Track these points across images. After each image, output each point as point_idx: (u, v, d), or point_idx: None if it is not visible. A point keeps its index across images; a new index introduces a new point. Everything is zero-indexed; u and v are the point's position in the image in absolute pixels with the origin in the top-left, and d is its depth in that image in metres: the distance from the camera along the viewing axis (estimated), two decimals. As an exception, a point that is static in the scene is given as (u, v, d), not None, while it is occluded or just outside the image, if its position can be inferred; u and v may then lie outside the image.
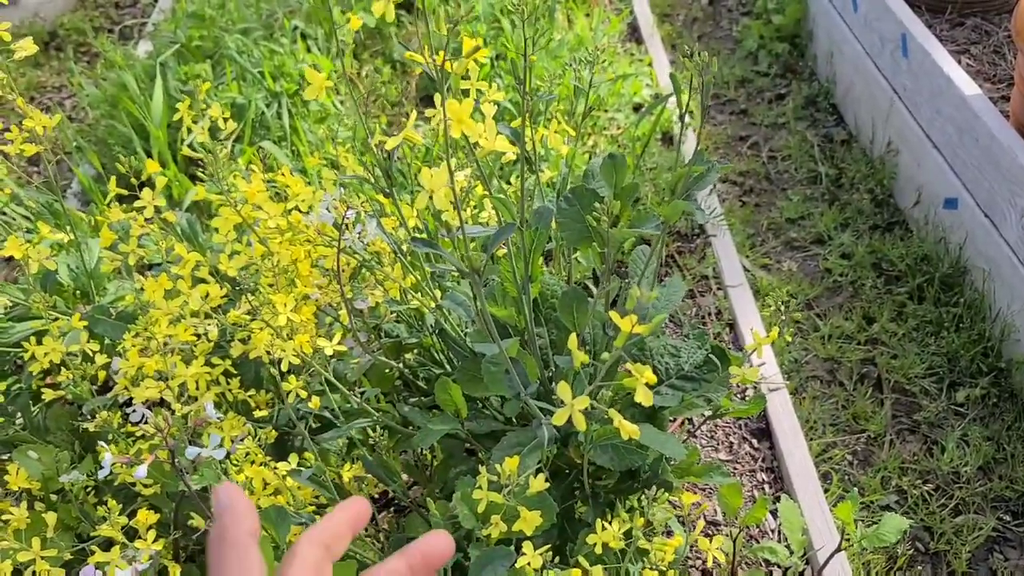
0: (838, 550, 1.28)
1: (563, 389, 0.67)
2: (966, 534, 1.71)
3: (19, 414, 1.26)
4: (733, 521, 1.61)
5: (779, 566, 1.51)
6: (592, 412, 0.95)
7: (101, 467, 0.73)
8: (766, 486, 1.70)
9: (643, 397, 0.68)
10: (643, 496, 1.17)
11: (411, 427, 1.20)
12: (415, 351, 1.32)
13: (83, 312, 1.23)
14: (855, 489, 1.24)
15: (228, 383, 1.17)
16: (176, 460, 0.78)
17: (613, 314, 0.67)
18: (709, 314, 2.13)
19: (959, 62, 2.34)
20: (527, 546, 0.82)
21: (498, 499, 0.83)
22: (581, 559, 0.83)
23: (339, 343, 0.93)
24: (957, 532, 1.72)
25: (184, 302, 0.92)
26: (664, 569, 0.86)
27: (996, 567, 1.66)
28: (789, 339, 2.10)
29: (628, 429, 0.69)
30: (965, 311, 2.10)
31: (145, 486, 1.07)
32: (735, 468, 1.73)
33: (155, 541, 0.99)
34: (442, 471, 1.23)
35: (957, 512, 1.76)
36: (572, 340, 0.70)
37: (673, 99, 0.96)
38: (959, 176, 2.18)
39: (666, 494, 1.17)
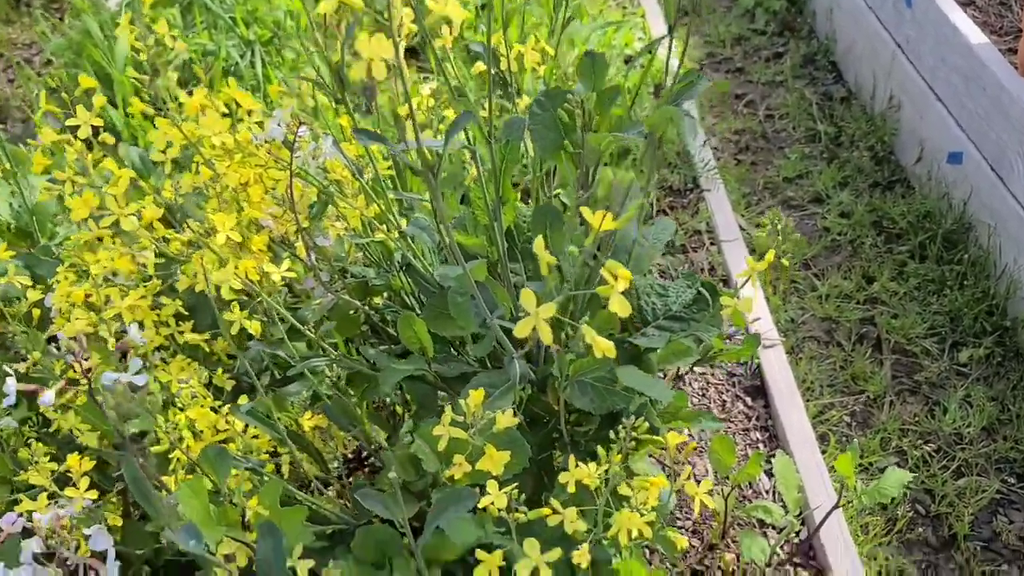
0: (836, 506, 1.20)
1: (526, 297, 0.58)
2: (968, 496, 1.63)
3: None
4: (724, 480, 1.52)
5: (773, 526, 1.42)
6: (568, 344, 0.86)
7: (5, 395, 0.64)
8: (760, 445, 1.62)
9: (619, 307, 0.59)
10: (623, 434, 1.08)
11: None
12: (384, 295, 1.23)
13: (25, 253, 1.13)
14: (855, 442, 1.15)
15: (179, 326, 1.08)
16: (94, 392, 0.69)
17: (584, 210, 0.58)
18: (702, 269, 2.04)
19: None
20: (491, 484, 0.73)
21: (461, 435, 0.74)
22: (553, 501, 0.74)
23: (288, 269, 0.83)
24: (959, 494, 1.64)
25: (110, 222, 0.83)
26: (644, 512, 0.78)
27: (1000, 530, 1.58)
28: (787, 263, 2.02)
29: (602, 346, 0.61)
30: (969, 268, 2.01)
31: (82, 433, 0.98)
32: (728, 427, 1.64)
33: (90, 490, 0.90)
34: (413, 422, 1.14)
35: (959, 474, 1.68)
36: (538, 243, 0.61)
37: (664, 46, 0.87)
38: (964, 129, 2.08)
39: (649, 441, 1.09)
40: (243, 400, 0.92)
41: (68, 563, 0.77)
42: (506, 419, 0.75)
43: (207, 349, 1.12)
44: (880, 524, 1.55)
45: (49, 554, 0.79)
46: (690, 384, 1.67)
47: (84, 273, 0.99)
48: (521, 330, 0.58)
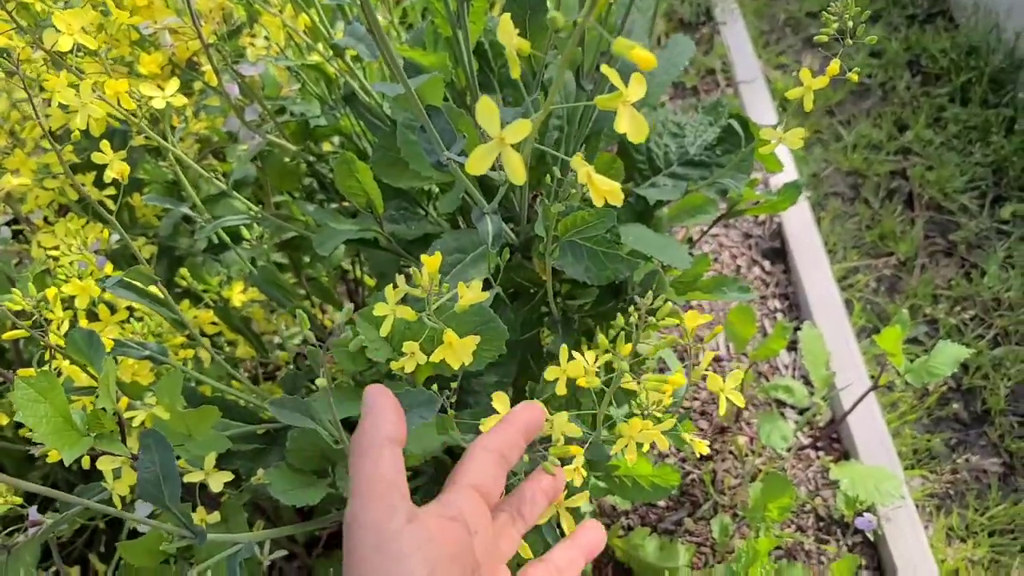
0: (875, 387, 1.01)
1: (485, 107, 0.36)
2: (1007, 367, 1.46)
3: None
4: (740, 356, 1.34)
5: (794, 407, 1.26)
6: (558, 192, 0.64)
7: None
8: (779, 315, 1.43)
9: (631, 126, 0.37)
10: (634, 318, 0.89)
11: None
12: (336, 141, 1.01)
13: None
14: (904, 311, 0.96)
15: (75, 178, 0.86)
16: None
17: (621, 42, 0.35)
18: (715, 116, 1.79)
19: None
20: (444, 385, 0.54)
21: (410, 315, 0.54)
22: (560, 419, 0.55)
23: (175, 94, 0.61)
24: (996, 365, 1.47)
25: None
26: (660, 416, 0.59)
27: (1039, 404, 1.42)
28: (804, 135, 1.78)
29: (602, 188, 0.40)
30: (1020, 111, 1.77)
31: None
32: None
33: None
34: (376, 298, 0.94)
35: (996, 343, 1.51)
36: (504, 22, 0.38)
37: None
38: (1023, -53, 1.79)
39: (665, 310, 0.89)
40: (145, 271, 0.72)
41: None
42: (472, 292, 0.55)
43: (111, 206, 0.90)
44: (909, 400, 1.39)
45: None
46: (700, 247, 1.47)
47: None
48: (476, 163, 0.36)
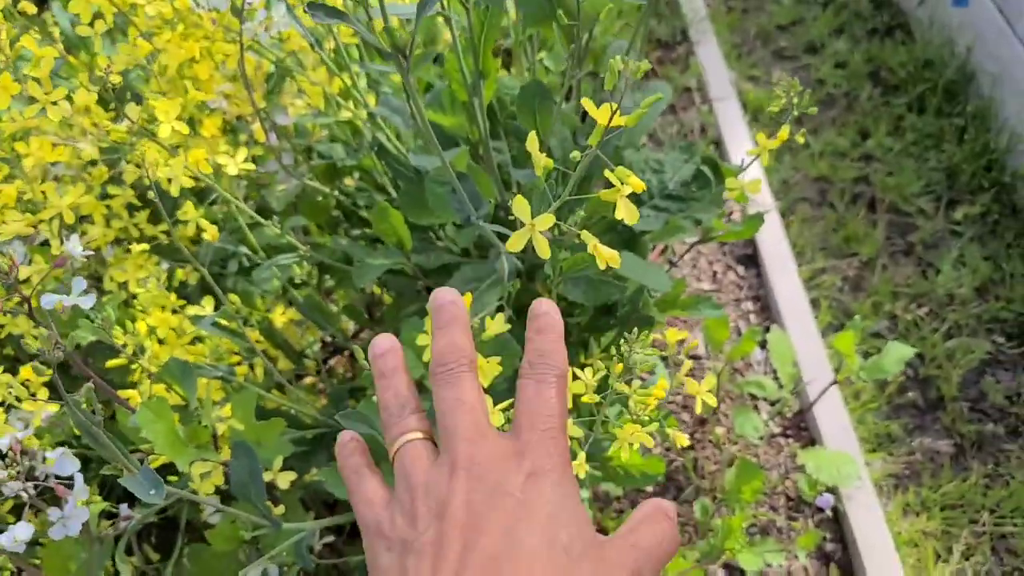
0: (834, 383, 1.16)
1: (519, 205, 0.49)
2: (958, 358, 1.62)
3: None
4: (717, 355, 1.49)
5: (767, 400, 1.40)
6: (561, 238, 0.78)
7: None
8: (752, 316, 1.58)
9: (626, 213, 0.51)
10: (622, 336, 1.03)
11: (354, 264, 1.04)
12: (354, 175, 1.14)
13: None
14: (857, 318, 1.10)
15: (133, 217, 0.99)
16: (29, 304, 0.61)
17: (586, 102, 0.48)
18: (692, 130, 1.93)
19: None
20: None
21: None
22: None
23: (246, 160, 0.74)
24: (949, 356, 1.62)
25: (36, 111, 0.72)
26: (646, 420, 0.73)
27: (987, 389, 1.58)
28: (781, 140, 1.93)
29: (606, 256, 0.53)
30: (969, 121, 1.92)
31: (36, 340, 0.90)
32: (719, 297, 1.59)
33: (49, 400, 0.84)
34: (391, 313, 1.08)
35: (949, 336, 1.66)
36: (531, 139, 0.52)
37: None
38: (973, -32, 1.94)
39: (648, 333, 1.03)
40: (208, 303, 0.85)
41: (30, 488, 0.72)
42: (497, 324, 0.68)
43: (167, 240, 1.03)
44: (870, 390, 1.54)
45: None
46: (682, 256, 1.61)
47: (14, 161, 0.89)
48: (514, 244, 0.50)
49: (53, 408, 0.85)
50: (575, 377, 0.70)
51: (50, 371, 0.83)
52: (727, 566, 1.16)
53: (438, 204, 0.79)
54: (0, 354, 1.05)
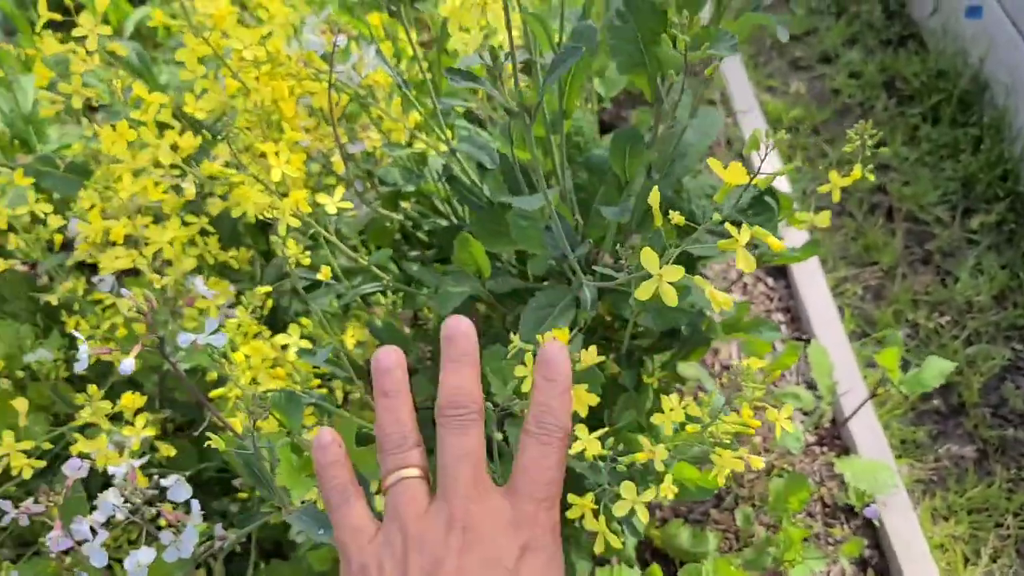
0: (873, 394, 1.21)
1: (648, 257, 0.53)
2: (979, 364, 1.67)
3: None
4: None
5: (802, 411, 1.45)
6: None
7: (77, 360, 0.60)
8: (783, 327, 1.62)
9: (744, 263, 0.55)
10: (678, 355, 1.07)
11: (413, 284, 1.08)
12: (413, 199, 1.17)
13: (25, 164, 1.05)
14: (898, 334, 1.15)
15: (206, 243, 1.02)
16: (163, 345, 0.64)
17: (713, 162, 0.52)
18: (719, 143, 1.98)
19: None
20: (581, 429, 0.71)
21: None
22: (644, 439, 0.73)
23: (341, 199, 0.77)
24: (970, 363, 1.67)
25: (151, 154, 0.75)
26: (727, 444, 0.77)
27: (1007, 395, 1.63)
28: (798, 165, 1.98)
29: (720, 300, 0.57)
30: (985, 131, 1.97)
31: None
32: (751, 309, 1.64)
33: (145, 426, 0.87)
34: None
35: (969, 343, 1.71)
36: (654, 194, 0.56)
37: None
38: (986, -18, 1.99)
39: (704, 351, 1.08)
40: (294, 331, 0.88)
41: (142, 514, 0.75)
42: (590, 356, 0.72)
43: (235, 266, 1.07)
44: (895, 397, 1.59)
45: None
46: (711, 267, 1.65)
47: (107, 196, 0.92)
48: (643, 293, 0.54)
49: (151, 432, 0.89)
50: (657, 408, 0.74)
51: (144, 397, 0.86)
52: (776, 574, 1.21)
53: (523, 237, 0.83)
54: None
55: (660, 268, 0.54)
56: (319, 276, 0.75)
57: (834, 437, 1.44)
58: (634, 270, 0.79)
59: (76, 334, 0.60)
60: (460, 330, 0.49)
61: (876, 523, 1.23)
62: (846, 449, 1.42)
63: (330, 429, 0.48)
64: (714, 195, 1.06)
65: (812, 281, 1.61)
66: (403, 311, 1.37)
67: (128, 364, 0.60)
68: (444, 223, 1.11)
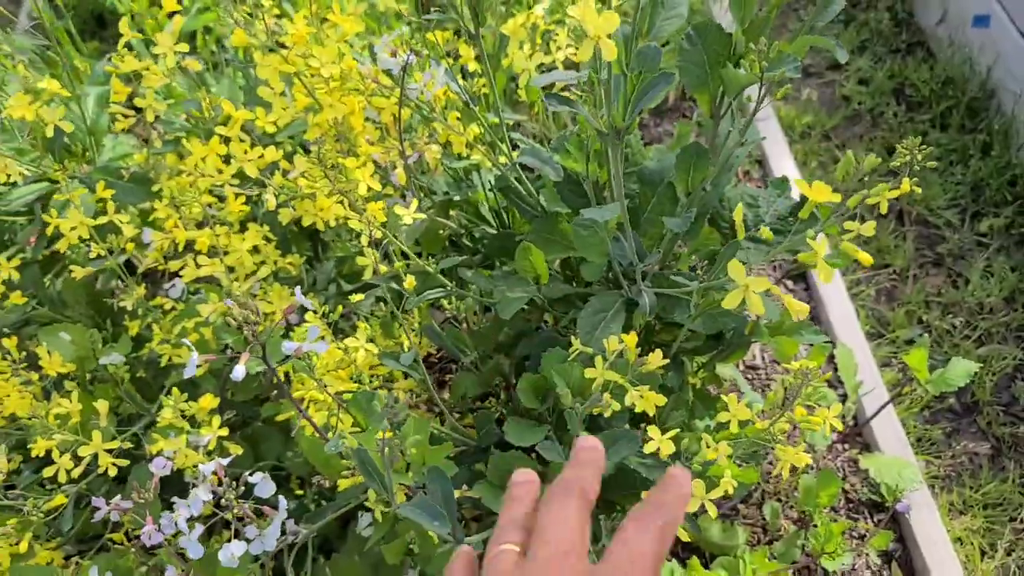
0: (897, 394, 1.26)
1: (735, 268, 0.58)
2: (991, 363, 1.72)
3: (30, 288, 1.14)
4: (772, 363, 1.59)
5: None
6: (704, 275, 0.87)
7: (185, 367, 0.64)
8: (803, 327, 1.67)
9: (824, 274, 0.60)
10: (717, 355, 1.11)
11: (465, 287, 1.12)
12: (459, 207, 1.22)
13: (88, 174, 1.09)
14: (924, 336, 1.20)
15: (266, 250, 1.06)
16: (265, 353, 0.68)
17: (799, 182, 0.57)
18: (735, 149, 2.03)
19: None
20: (653, 430, 0.76)
21: (618, 379, 0.76)
22: (706, 436, 0.77)
23: (416, 211, 0.82)
24: (982, 363, 1.73)
25: (235, 167, 0.79)
26: (783, 442, 0.81)
27: (1018, 394, 1.69)
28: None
29: (796, 308, 0.62)
30: (993, 137, 2.03)
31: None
32: (772, 310, 1.69)
33: (220, 426, 0.92)
34: (508, 339, 1.15)
35: (981, 343, 1.77)
36: (738, 212, 0.60)
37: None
38: (993, -9, 2.05)
39: (743, 352, 1.12)
40: (362, 330, 0.92)
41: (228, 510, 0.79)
42: (656, 359, 0.77)
43: (293, 272, 1.11)
44: (913, 395, 1.64)
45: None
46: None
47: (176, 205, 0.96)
48: (731, 302, 0.59)
49: (224, 432, 0.93)
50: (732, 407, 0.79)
51: (218, 399, 0.91)
52: (806, 568, 1.26)
53: (585, 245, 0.88)
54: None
55: (745, 279, 0.59)
56: (406, 286, 0.80)
57: (856, 435, 1.49)
58: (705, 278, 0.84)
59: (186, 342, 0.64)
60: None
61: (907, 516, 1.28)
62: (867, 446, 1.47)
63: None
64: (752, 203, 1.11)
65: (832, 284, 1.66)
66: (433, 312, 1.41)
67: (239, 371, 0.64)
68: (492, 231, 1.15)
